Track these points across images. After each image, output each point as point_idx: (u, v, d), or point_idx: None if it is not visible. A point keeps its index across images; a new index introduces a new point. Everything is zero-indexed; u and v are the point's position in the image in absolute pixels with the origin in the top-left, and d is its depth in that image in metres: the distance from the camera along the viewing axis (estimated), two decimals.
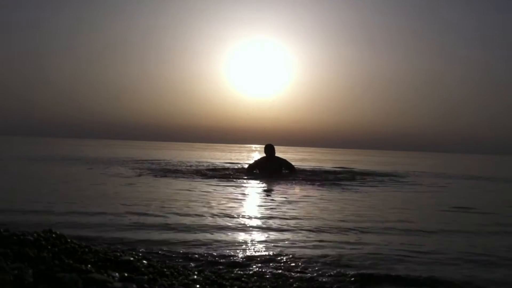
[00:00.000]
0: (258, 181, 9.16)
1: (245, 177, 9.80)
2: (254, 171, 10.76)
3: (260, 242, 3.73)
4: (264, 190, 7.74)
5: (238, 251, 3.38)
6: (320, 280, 2.73)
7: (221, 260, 3.06)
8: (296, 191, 7.74)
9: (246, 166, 11.88)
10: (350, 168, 14.24)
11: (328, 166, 15.94)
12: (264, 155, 10.78)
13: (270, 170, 10.61)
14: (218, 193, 6.86)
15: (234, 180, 9.18)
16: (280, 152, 13.12)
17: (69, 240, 2.58)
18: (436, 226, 4.73)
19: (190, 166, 12.97)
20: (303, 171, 11.71)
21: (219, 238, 3.78)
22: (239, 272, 2.79)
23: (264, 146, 10.76)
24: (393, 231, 4.43)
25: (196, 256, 3.14)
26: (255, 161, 11.14)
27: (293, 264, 3.06)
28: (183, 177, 9.39)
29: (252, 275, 2.73)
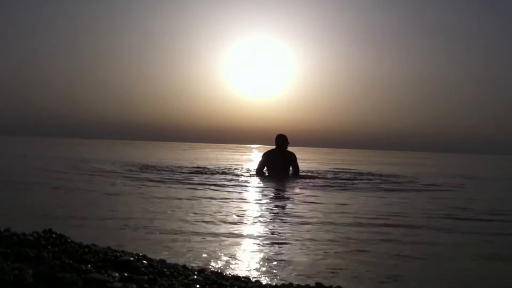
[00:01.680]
0: (269, 183, 8.47)
1: (256, 179, 8.90)
2: (264, 171, 9.28)
3: (262, 244, 3.73)
4: (273, 191, 7.62)
5: (239, 251, 3.38)
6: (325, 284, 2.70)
7: (222, 261, 3.07)
8: (301, 191, 7.67)
9: (254, 166, 10.87)
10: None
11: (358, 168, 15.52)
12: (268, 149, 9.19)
13: (281, 168, 8.90)
14: (225, 198, 6.72)
15: (243, 182, 8.56)
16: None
17: (69, 240, 2.58)
18: None
19: (193, 167, 12.23)
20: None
21: (220, 239, 3.78)
22: (239, 272, 2.79)
23: (275, 136, 8.74)
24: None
25: (197, 256, 3.14)
26: (262, 159, 9.30)
27: (297, 267, 3.05)
28: (187, 180, 8.87)
29: (253, 275, 2.73)
